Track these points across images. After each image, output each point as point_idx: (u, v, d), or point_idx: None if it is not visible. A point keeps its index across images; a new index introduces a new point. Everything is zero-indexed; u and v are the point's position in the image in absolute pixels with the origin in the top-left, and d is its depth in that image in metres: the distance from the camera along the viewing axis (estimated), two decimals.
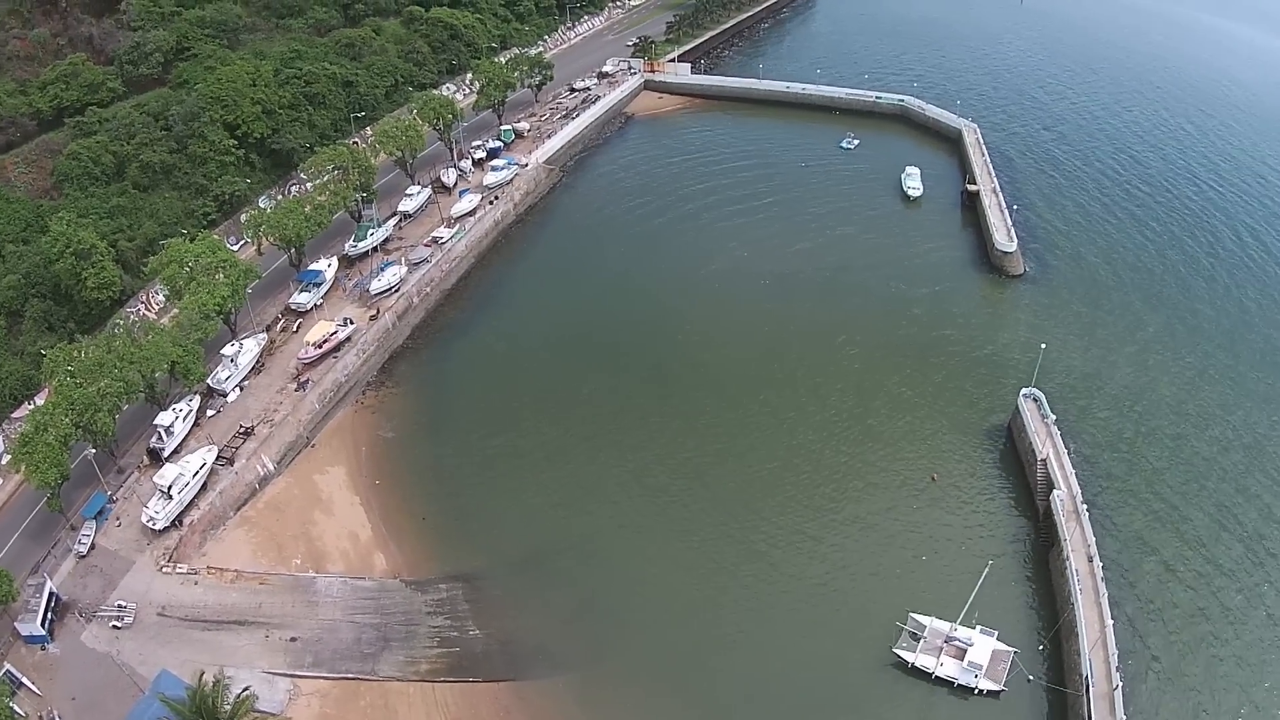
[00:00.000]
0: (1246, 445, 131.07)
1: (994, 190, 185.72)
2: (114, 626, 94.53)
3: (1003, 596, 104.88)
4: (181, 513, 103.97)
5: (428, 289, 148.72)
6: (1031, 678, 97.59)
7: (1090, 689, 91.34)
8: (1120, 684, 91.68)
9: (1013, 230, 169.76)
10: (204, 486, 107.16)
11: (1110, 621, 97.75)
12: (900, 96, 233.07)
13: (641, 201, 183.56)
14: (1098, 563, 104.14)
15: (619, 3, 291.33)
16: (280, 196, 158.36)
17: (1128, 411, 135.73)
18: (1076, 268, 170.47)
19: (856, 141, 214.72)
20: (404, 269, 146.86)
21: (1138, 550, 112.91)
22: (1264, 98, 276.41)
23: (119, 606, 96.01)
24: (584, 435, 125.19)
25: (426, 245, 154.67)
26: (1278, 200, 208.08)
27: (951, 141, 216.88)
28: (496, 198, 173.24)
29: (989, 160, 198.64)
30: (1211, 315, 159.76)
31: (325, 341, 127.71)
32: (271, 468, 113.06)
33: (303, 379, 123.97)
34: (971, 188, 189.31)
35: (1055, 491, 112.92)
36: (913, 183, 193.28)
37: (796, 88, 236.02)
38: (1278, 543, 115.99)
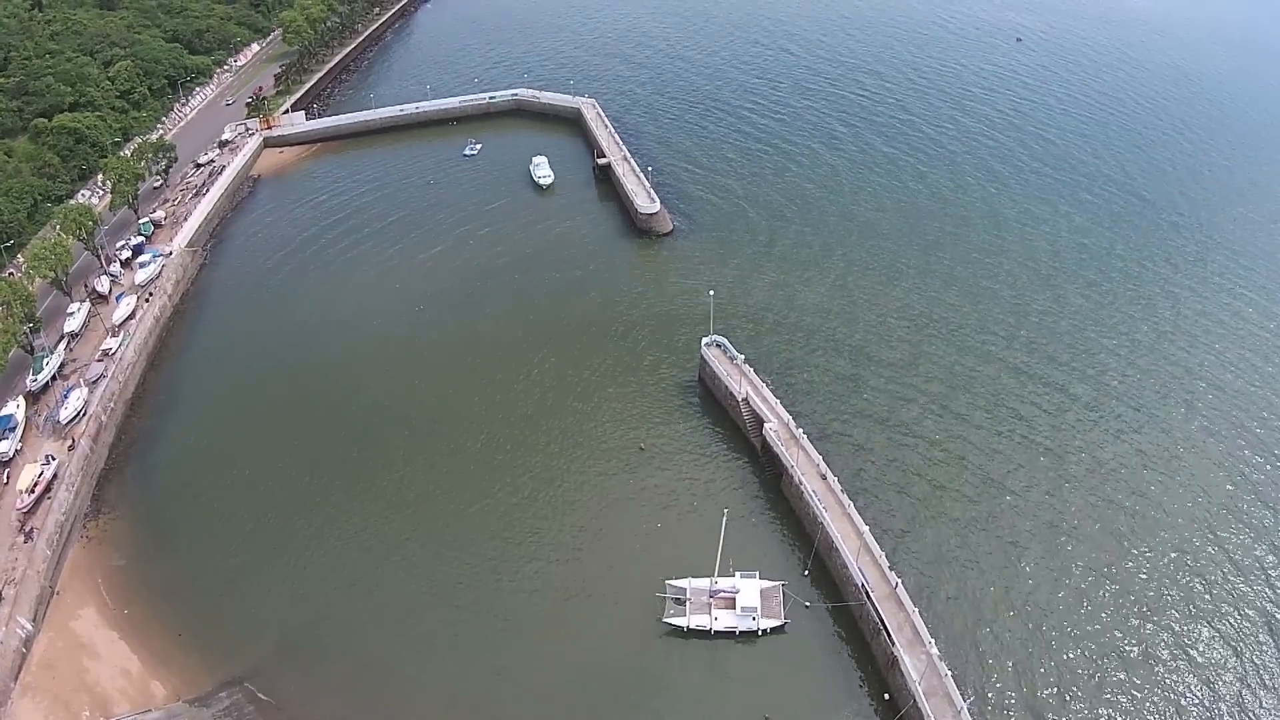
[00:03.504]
0: (915, 317, 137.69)
1: (624, 158, 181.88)
2: None
3: (750, 538, 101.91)
4: None
5: (112, 404, 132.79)
6: (809, 604, 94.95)
7: (870, 595, 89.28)
8: (899, 581, 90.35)
9: (653, 191, 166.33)
10: None
11: (865, 528, 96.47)
12: (513, 91, 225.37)
13: (285, 262, 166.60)
14: (833, 479, 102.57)
15: (226, 66, 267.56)
16: None
17: (805, 326, 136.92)
18: (722, 210, 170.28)
19: (479, 146, 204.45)
20: (85, 390, 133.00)
21: (864, 452, 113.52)
22: (865, 9, 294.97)
23: None
24: (302, 511, 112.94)
25: (99, 360, 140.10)
26: (883, 95, 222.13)
27: (573, 122, 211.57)
28: (151, 294, 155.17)
29: (613, 131, 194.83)
30: (849, 214, 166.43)
31: (36, 485, 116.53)
32: (30, 627, 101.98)
33: (27, 529, 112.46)
34: (602, 161, 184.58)
35: (767, 425, 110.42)
36: (542, 171, 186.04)
37: (410, 108, 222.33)
38: (964, 402, 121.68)
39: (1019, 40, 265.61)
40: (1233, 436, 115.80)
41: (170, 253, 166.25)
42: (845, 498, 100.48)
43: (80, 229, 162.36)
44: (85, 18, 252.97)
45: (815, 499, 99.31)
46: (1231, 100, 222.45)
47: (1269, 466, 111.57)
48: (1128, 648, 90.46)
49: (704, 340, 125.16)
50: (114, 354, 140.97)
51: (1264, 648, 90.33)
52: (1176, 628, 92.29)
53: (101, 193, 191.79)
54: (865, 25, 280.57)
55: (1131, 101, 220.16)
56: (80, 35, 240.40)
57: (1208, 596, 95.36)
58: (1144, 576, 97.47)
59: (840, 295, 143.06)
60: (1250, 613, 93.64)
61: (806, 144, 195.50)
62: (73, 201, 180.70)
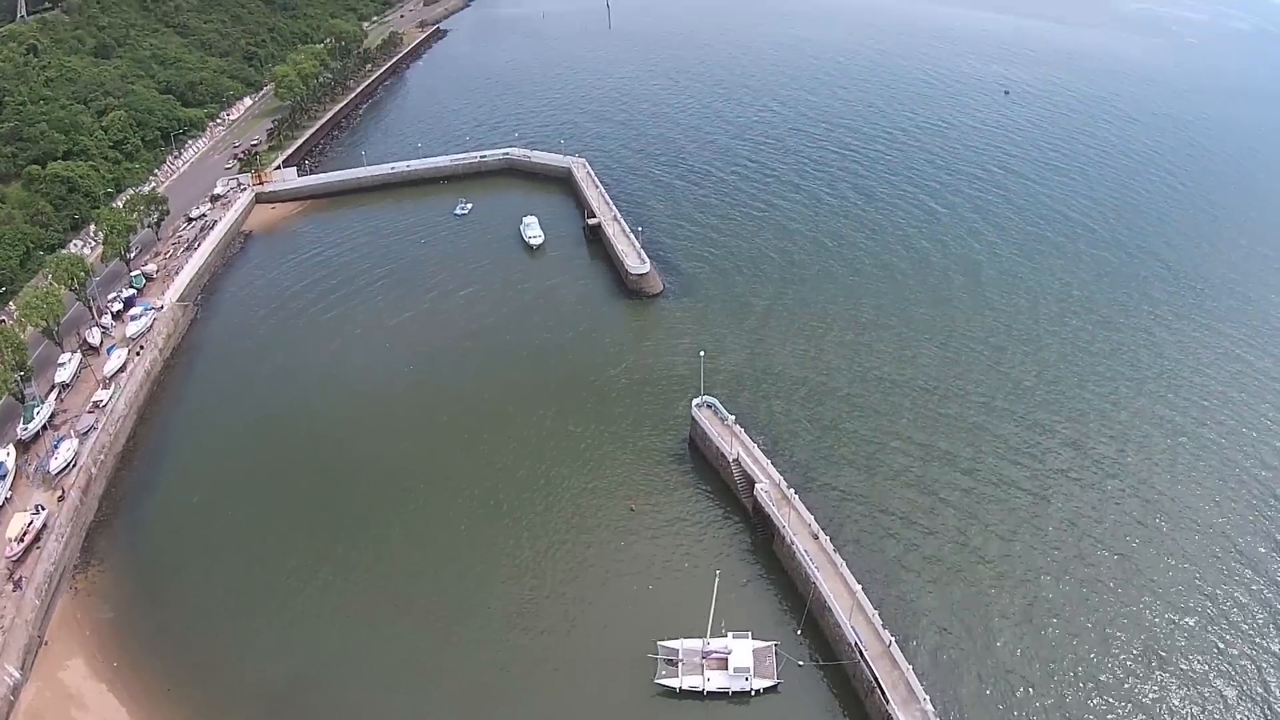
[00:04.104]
0: (900, 371, 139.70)
1: (615, 218, 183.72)
2: None
3: (743, 598, 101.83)
4: None
5: (102, 456, 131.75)
6: (802, 663, 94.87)
7: (864, 653, 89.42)
8: (892, 640, 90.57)
9: (643, 252, 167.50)
10: None
11: (858, 587, 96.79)
12: (504, 150, 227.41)
13: (275, 318, 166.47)
14: (825, 539, 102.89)
15: (218, 120, 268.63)
16: None
17: (794, 382, 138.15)
18: (713, 270, 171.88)
19: (470, 206, 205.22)
20: (76, 441, 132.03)
21: (854, 507, 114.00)
22: (851, 67, 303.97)
23: None
24: (292, 569, 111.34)
25: (90, 412, 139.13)
26: (867, 152, 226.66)
27: (563, 181, 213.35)
28: (142, 348, 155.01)
29: (604, 191, 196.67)
30: (833, 272, 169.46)
31: (25, 534, 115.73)
32: (18, 675, 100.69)
33: (16, 578, 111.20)
34: (592, 221, 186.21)
35: (758, 485, 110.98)
36: (532, 231, 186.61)
37: (402, 166, 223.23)
38: (951, 454, 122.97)
39: (1006, 93, 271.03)
40: (1221, 483, 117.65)
41: (161, 306, 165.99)
42: (838, 556, 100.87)
43: (72, 279, 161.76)
44: (80, 65, 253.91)
45: (807, 559, 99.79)
46: (1219, 149, 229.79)
47: (1256, 503, 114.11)
48: (1121, 700, 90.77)
49: (694, 401, 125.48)
50: (105, 406, 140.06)
51: (1258, 699, 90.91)
52: (1166, 679, 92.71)
53: (94, 243, 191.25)
54: (850, 82, 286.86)
55: (1118, 153, 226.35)
56: (74, 83, 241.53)
57: (1198, 648, 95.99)
58: (1134, 627, 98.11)
59: (827, 352, 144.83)
60: (1243, 664, 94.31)
61: (793, 201, 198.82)
62: (65, 251, 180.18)
